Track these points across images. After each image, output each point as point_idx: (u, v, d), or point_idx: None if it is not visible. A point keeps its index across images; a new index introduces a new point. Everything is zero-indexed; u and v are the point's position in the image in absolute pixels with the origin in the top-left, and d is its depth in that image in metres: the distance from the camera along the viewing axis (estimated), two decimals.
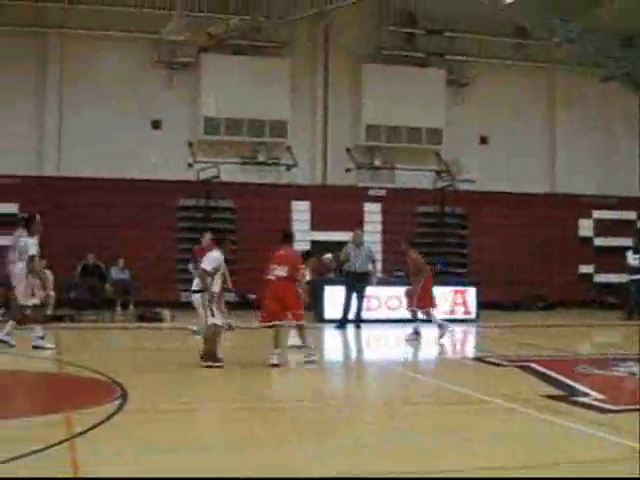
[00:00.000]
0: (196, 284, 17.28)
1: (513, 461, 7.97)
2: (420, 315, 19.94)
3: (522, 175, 31.68)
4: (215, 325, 14.43)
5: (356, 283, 22.82)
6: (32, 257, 16.24)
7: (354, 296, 22.95)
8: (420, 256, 20.16)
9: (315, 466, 7.85)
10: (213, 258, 14.75)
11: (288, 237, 15.79)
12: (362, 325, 22.80)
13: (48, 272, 19.20)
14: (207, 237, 19.80)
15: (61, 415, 9.84)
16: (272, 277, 14.85)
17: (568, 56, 30.67)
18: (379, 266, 26.56)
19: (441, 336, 19.48)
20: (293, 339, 16.13)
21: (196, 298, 17.32)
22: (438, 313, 20.48)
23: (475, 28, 30.97)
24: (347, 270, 23.07)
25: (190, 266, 20.21)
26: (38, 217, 16.64)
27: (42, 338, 16.65)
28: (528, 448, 8.63)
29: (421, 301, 19.73)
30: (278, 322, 14.77)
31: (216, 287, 14.57)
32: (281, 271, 14.83)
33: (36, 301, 16.56)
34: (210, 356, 14.27)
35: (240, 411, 10.75)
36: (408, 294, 20.22)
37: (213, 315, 14.42)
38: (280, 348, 14.86)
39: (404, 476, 6.42)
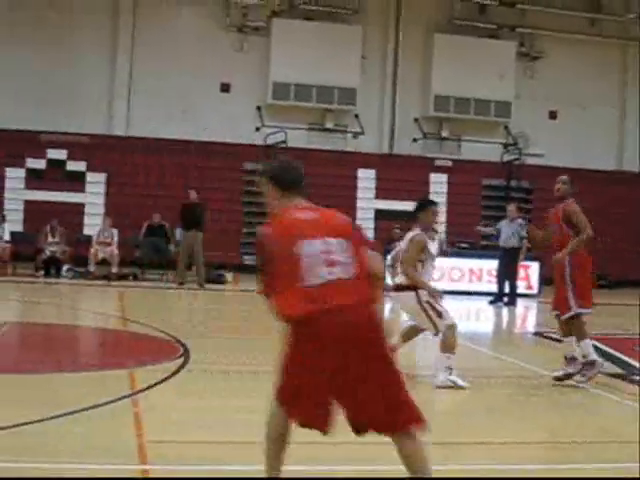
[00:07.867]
0: None
1: (564, 436, 8.00)
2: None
3: (590, 151, 31.31)
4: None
5: (502, 258, 22.51)
6: None
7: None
8: None
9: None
10: None
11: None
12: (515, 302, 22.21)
13: None
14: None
15: (125, 371, 10.05)
16: None
17: None
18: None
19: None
20: None
21: None
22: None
23: (548, 1, 30.67)
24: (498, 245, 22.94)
25: None
26: None
27: None
28: (582, 424, 8.67)
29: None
30: None
31: None
32: None
33: None
34: None
35: None
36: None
37: None
38: None
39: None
